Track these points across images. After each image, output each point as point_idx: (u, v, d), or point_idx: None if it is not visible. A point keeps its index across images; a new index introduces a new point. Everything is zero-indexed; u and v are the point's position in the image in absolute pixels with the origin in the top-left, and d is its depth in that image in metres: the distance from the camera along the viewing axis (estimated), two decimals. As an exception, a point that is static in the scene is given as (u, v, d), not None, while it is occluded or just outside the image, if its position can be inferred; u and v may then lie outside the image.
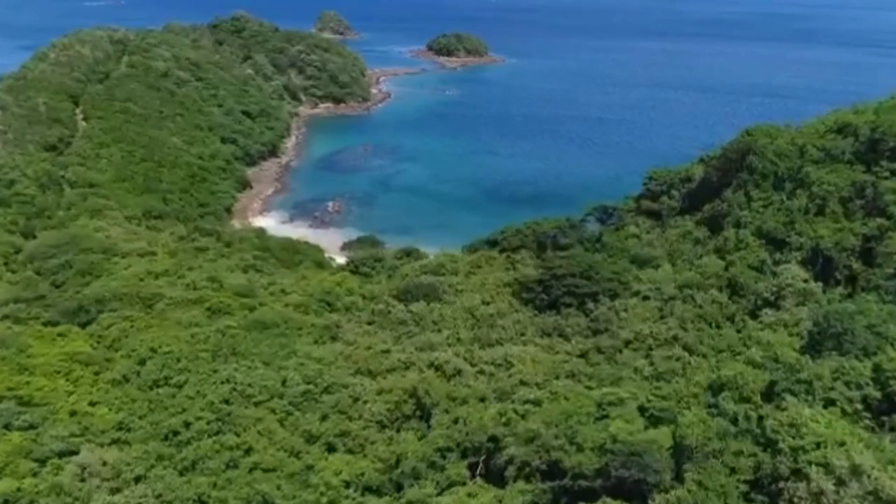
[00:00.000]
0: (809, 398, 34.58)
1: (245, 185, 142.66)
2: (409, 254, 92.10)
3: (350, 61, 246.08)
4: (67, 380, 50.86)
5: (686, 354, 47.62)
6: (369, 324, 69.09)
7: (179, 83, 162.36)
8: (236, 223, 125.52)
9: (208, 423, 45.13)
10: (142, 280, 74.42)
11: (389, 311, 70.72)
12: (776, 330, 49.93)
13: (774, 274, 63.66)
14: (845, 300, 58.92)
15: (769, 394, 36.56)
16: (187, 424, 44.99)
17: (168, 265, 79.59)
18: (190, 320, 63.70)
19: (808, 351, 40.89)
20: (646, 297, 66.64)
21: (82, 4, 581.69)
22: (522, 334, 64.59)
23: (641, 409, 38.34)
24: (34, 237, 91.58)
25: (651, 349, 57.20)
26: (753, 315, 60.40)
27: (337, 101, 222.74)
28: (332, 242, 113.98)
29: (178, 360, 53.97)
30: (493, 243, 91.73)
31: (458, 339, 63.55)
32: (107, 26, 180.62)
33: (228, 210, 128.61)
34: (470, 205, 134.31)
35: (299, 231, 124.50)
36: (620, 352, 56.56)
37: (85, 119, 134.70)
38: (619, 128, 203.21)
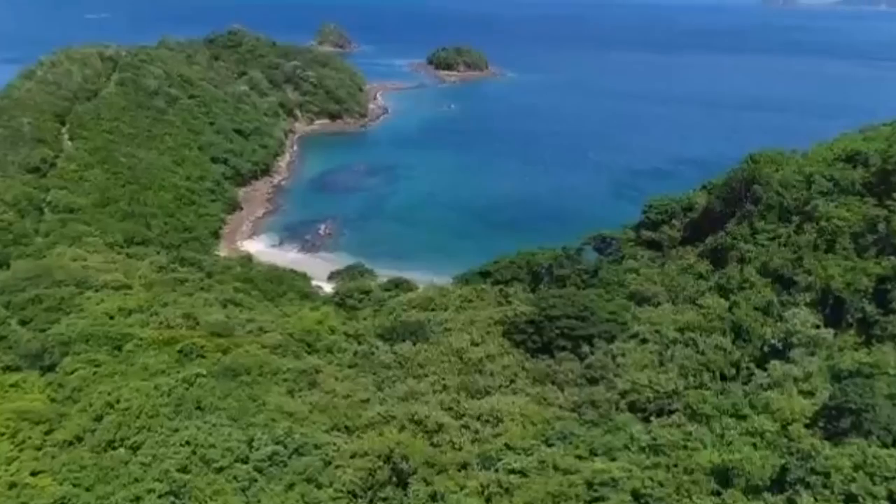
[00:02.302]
0: (827, 492, 30.51)
1: (235, 206, 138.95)
2: (398, 285, 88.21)
3: (348, 76, 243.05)
4: (13, 442, 46.86)
5: (687, 423, 43.49)
6: (351, 367, 65.10)
7: (170, 101, 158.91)
8: (224, 247, 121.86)
9: (160, 496, 41.01)
10: (112, 318, 70.42)
11: (373, 353, 66.81)
12: (785, 389, 45.73)
13: (781, 317, 59.62)
14: (859, 349, 55.13)
15: (780, 482, 32.49)
16: (137, 499, 40.89)
17: (143, 300, 75.63)
18: (158, 366, 59.70)
19: (824, 424, 36.81)
20: (644, 340, 62.57)
21: (83, 17, 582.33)
22: (513, 381, 60.50)
23: (636, 495, 34.24)
24: (8, 266, 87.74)
25: (649, 401, 53.19)
26: (760, 363, 56.36)
27: (333, 117, 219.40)
28: (321, 268, 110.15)
29: (138, 417, 49.95)
30: (485, 274, 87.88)
31: (444, 387, 59.46)
32: (98, 43, 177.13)
33: (216, 233, 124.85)
34: (466, 227, 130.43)
35: (288, 256, 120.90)
36: (617, 407, 52.42)
37: (71, 139, 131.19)
38: (618, 144, 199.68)
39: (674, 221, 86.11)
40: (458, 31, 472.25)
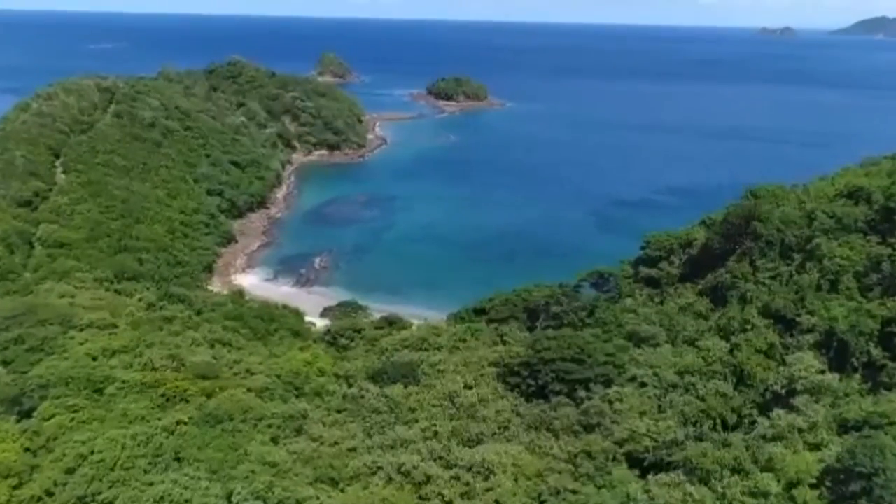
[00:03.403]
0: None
1: (230, 239, 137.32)
2: (392, 323, 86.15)
3: (347, 107, 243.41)
4: (-23, 499, 44.81)
5: (686, 481, 41.28)
6: (339, 412, 62.92)
7: (167, 133, 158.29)
8: (217, 281, 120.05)
9: (130, 558, 38.87)
10: (95, 359, 68.33)
11: (363, 396, 64.62)
12: (790, 442, 43.60)
13: (784, 361, 57.62)
14: (866, 396, 53.06)
15: (786, 554, 30.45)
16: (104, 562, 38.72)
17: (128, 340, 73.58)
18: (138, 412, 57.63)
19: (832, 486, 34.69)
20: (643, 384, 60.49)
21: (86, 47, 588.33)
22: (506, 427, 58.30)
23: (631, 565, 32.16)
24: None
25: (648, 451, 50.99)
26: (763, 409, 54.25)
27: (332, 147, 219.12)
28: (315, 303, 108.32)
29: (112, 469, 47.77)
30: (480, 311, 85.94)
31: (435, 434, 57.24)
32: (95, 74, 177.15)
33: (209, 267, 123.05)
34: (462, 260, 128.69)
35: (282, 290, 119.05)
36: (613, 457, 50.19)
37: (65, 172, 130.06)
38: (616, 175, 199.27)
39: (672, 258, 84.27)
40: (458, 61, 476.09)
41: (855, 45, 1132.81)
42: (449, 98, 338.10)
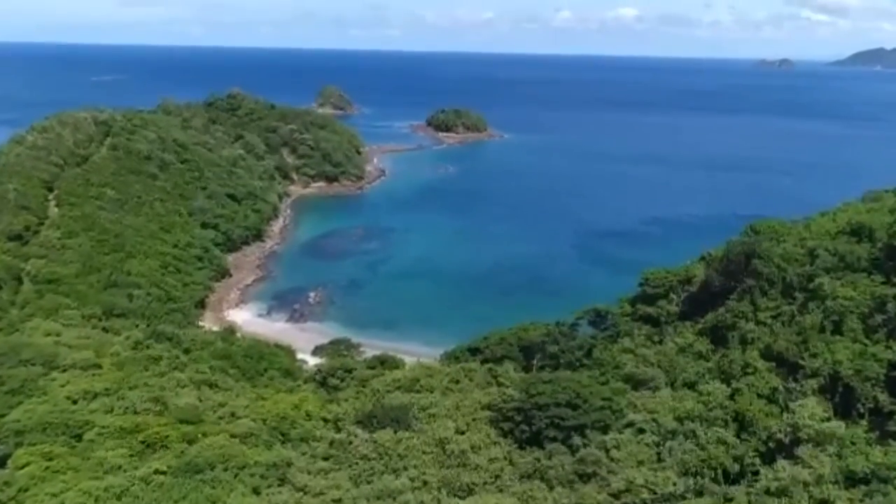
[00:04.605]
0: None
1: (224, 273, 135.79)
2: (384, 362, 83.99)
3: (346, 139, 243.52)
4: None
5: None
6: (326, 459, 60.50)
7: (163, 166, 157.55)
8: (209, 317, 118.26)
9: None
10: (75, 402, 66.32)
11: (351, 442, 62.23)
12: (794, 498, 41.34)
13: (788, 407, 55.36)
14: (873, 445, 50.82)
15: None
16: None
17: (111, 381, 71.48)
18: (115, 460, 55.34)
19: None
20: (641, 430, 58.16)
21: (89, 79, 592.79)
22: (498, 476, 55.89)
23: None
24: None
25: (646, 504, 48.66)
26: (765, 458, 51.92)
27: (330, 179, 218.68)
28: (308, 340, 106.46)
29: (82, 526, 45.56)
30: (475, 350, 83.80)
31: (425, 483, 54.78)
32: (93, 107, 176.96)
33: (202, 302, 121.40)
34: (458, 295, 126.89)
35: (276, 326, 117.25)
36: (610, 511, 47.85)
37: (57, 206, 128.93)
38: (612, 207, 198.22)
39: (671, 295, 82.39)
40: (458, 92, 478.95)
41: (853, 76, 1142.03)
42: (448, 129, 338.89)
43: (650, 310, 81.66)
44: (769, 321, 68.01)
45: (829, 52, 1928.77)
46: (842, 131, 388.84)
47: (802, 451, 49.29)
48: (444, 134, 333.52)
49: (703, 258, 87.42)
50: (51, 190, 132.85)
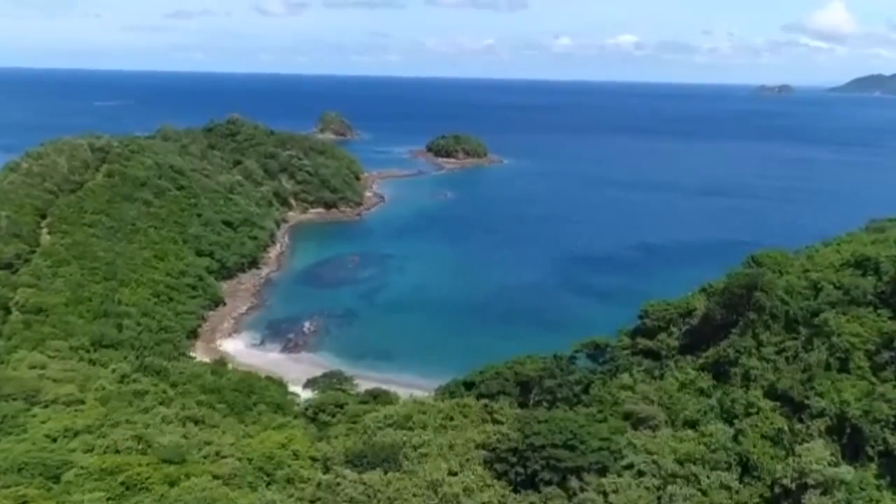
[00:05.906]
0: None
1: (217, 302, 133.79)
2: (376, 397, 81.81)
3: (345, 164, 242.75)
4: None
5: None
6: (312, 502, 58.07)
7: (158, 193, 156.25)
8: (201, 347, 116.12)
9: None
10: (55, 441, 64.15)
11: (339, 484, 59.80)
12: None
13: (793, 450, 53.06)
14: (883, 491, 48.60)
15: None
16: None
17: (93, 418, 69.37)
18: (92, 504, 53.02)
19: None
20: (641, 473, 55.76)
21: (91, 104, 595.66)
22: (491, 522, 53.47)
23: None
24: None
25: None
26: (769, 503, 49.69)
27: (328, 205, 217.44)
28: (301, 371, 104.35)
29: (50, 578, 43.20)
30: (470, 385, 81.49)
31: (414, 529, 52.48)
32: (90, 133, 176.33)
33: (194, 332, 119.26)
34: (455, 325, 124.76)
35: (269, 356, 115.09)
36: (607, 563, 45.41)
37: (50, 233, 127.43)
38: (610, 234, 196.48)
39: (672, 328, 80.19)
40: (458, 118, 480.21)
41: (853, 102, 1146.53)
42: (448, 155, 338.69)
43: (650, 343, 79.42)
44: (773, 357, 65.85)
45: (828, 78, 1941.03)
46: (842, 157, 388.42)
47: (809, 497, 47.08)
48: (444, 159, 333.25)
49: (703, 289, 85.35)
50: (44, 217, 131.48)
